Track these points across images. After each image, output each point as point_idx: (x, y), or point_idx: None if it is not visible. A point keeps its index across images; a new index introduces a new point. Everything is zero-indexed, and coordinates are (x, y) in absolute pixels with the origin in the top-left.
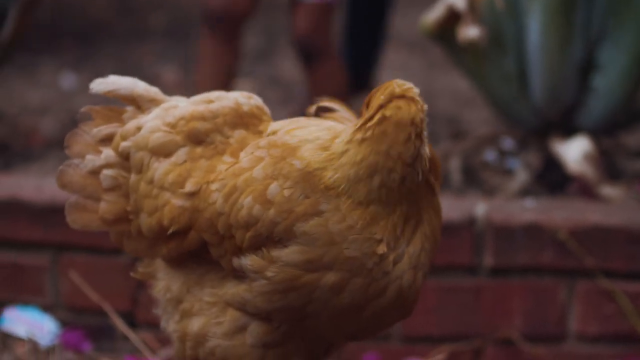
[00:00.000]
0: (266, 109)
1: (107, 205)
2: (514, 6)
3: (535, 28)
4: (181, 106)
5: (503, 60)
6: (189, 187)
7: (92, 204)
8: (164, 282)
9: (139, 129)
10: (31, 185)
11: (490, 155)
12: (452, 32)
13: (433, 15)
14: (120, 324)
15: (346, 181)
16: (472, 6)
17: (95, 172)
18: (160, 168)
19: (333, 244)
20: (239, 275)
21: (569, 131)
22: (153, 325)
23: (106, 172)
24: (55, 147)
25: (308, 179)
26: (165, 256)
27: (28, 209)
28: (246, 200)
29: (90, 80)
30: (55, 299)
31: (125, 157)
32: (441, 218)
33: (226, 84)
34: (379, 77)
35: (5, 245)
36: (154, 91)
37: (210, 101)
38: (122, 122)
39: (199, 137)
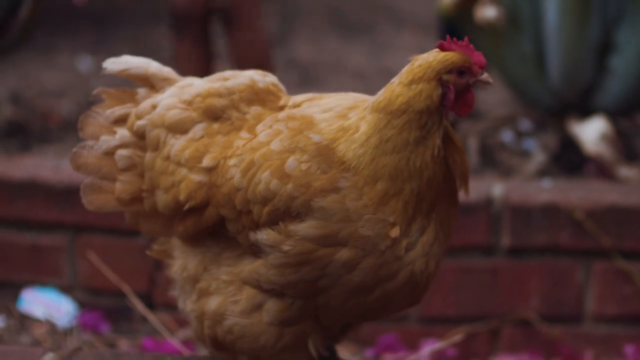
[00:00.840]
0: (282, 86)
1: (122, 186)
2: None
3: (553, 8)
4: (197, 84)
5: (520, 41)
6: (206, 162)
7: (108, 185)
8: (181, 261)
9: (154, 107)
10: (49, 166)
11: (507, 136)
12: (470, 12)
13: None
14: (139, 305)
15: (356, 157)
16: None
17: (110, 153)
18: (177, 144)
19: (349, 221)
20: (256, 251)
21: (586, 112)
22: (171, 306)
23: (121, 152)
24: (72, 128)
25: (324, 153)
26: (181, 234)
27: (46, 190)
28: (264, 175)
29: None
30: (72, 280)
31: (140, 136)
32: (458, 207)
33: None
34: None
35: (23, 226)
36: (167, 70)
37: (226, 79)
38: (136, 103)
39: (216, 113)
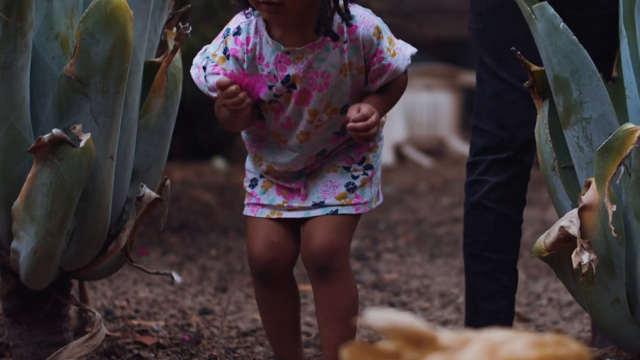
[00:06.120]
0: None
1: None
2: (625, 232)
3: None
4: (514, 347)
5: (613, 286)
6: None
7: None
8: None
9: None
10: None
11: None
12: (563, 254)
13: (549, 239)
14: None
15: None
16: (584, 232)
17: None
18: None
19: None
20: None
21: None
22: None
23: None
24: (166, 351)
25: None
26: None
27: None
28: None
29: (196, 277)
30: None
31: None
32: None
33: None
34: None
35: None
36: (431, 330)
37: (549, 344)
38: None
39: None
